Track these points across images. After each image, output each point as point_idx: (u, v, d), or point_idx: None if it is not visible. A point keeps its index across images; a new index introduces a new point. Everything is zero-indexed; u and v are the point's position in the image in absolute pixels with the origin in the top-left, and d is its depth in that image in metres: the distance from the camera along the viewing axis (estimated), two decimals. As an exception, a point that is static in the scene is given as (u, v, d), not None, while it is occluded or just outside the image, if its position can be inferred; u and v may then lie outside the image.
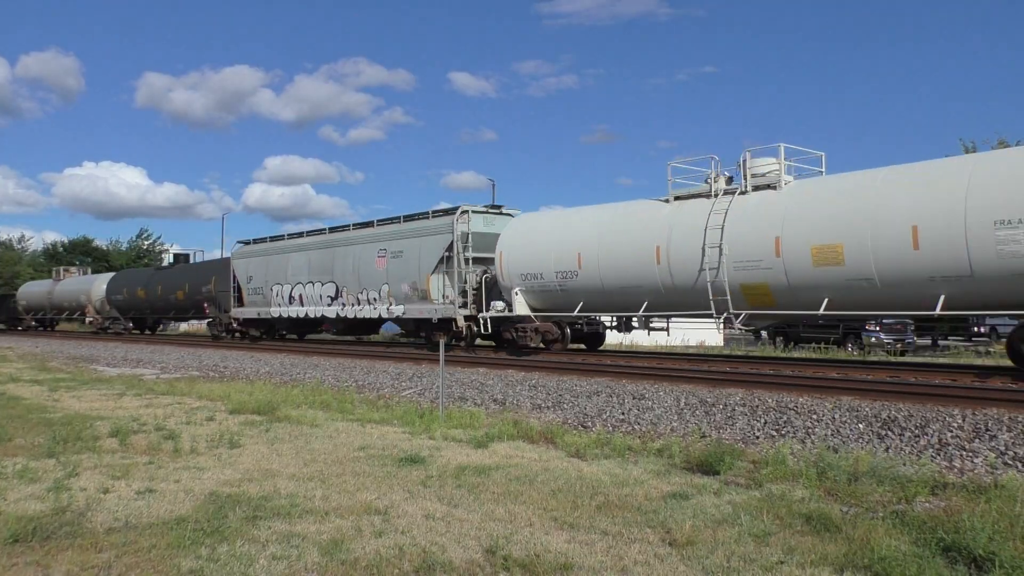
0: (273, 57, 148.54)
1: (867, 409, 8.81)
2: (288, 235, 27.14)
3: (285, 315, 25.72)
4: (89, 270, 53.62)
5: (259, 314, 27.04)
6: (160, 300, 34.82)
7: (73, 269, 50.07)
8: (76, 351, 27.04)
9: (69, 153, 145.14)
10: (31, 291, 49.82)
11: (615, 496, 6.06)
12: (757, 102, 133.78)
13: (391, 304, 21.06)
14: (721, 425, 9.10)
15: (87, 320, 42.40)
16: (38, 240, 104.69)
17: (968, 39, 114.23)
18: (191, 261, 40.84)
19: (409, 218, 21.65)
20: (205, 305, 30.89)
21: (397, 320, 21.88)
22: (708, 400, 10.07)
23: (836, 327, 25.85)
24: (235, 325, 28.91)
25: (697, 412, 9.68)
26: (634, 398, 10.72)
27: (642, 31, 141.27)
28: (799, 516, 5.37)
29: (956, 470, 6.89)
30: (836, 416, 8.73)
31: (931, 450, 7.47)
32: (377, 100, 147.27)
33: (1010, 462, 6.92)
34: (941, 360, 14.97)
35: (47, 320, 49.05)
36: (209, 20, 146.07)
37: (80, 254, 72.65)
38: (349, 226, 24.25)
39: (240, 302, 28.28)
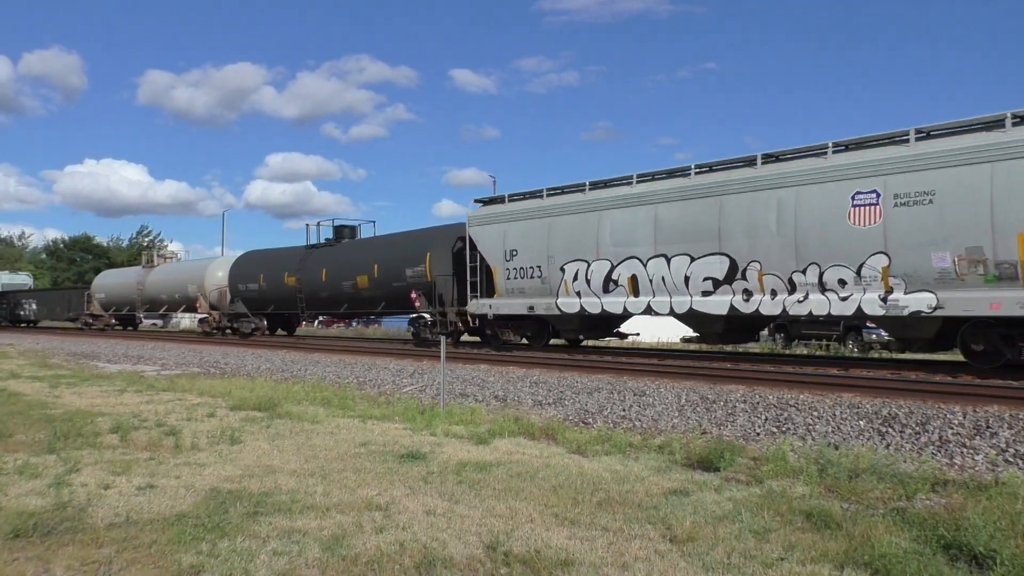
0: (275, 54, 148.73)
1: (868, 406, 8.81)
2: (591, 184, 17.00)
3: (595, 310, 16.33)
4: (183, 254, 46.52)
5: (532, 308, 17.63)
6: (324, 289, 25.33)
7: (172, 251, 42.60)
8: (77, 347, 27.05)
9: (71, 150, 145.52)
10: (111, 282, 40.96)
11: (616, 492, 6.06)
12: (758, 99, 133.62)
13: (890, 291, 11.91)
14: (722, 422, 9.10)
15: (198, 319, 33.99)
16: (39, 237, 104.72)
17: (969, 37, 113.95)
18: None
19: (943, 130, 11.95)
20: (414, 295, 21.13)
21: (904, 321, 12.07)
22: (709, 397, 10.07)
23: (837, 324, 25.80)
24: (476, 324, 20.12)
25: (698, 409, 9.68)
26: (635, 395, 10.72)
27: (643, 28, 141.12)
28: (800, 513, 5.37)
29: (957, 467, 6.89)
30: (837, 413, 8.72)
31: (932, 447, 7.46)
32: (379, 97, 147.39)
33: (1011, 459, 6.92)
34: (942, 357, 14.95)
35: (134, 319, 41.23)
36: (212, 17, 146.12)
37: (81, 251, 72.73)
38: (755, 158, 13.99)
39: (484, 290, 19.08)
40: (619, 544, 4.79)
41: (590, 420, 9.85)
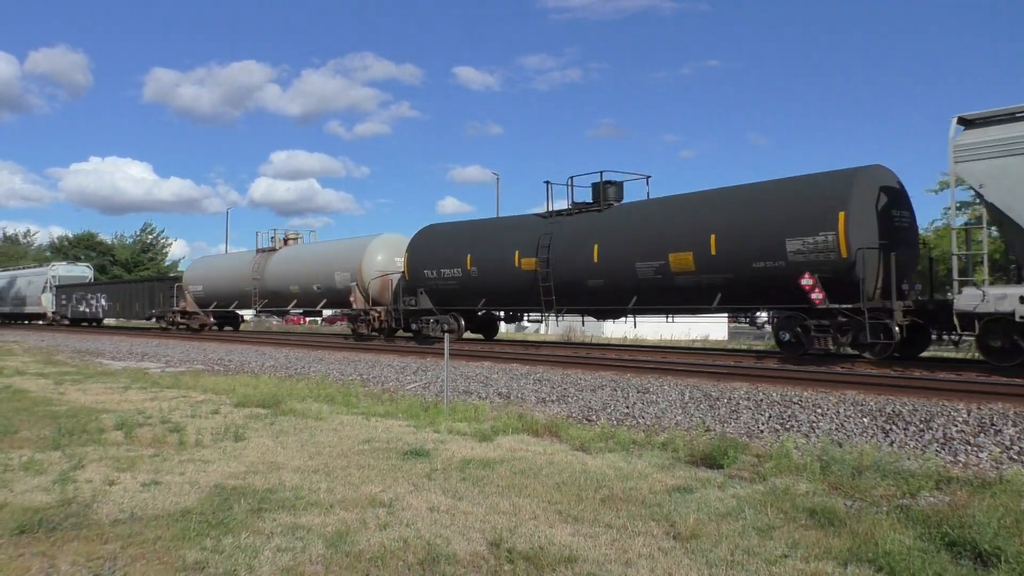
0: (280, 52, 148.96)
1: (872, 403, 8.80)
2: None
3: None
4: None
5: None
6: (595, 274, 16.40)
7: (296, 233, 29.94)
8: (81, 345, 27.13)
9: (76, 148, 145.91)
10: (214, 271, 31.57)
11: (619, 489, 6.07)
12: (762, 96, 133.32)
13: None
14: (725, 419, 9.10)
15: (355, 322, 23.76)
16: (44, 235, 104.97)
17: (970, 36, 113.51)
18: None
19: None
20: (809, 281, 12.59)
21: None
22: (712, 394, 10.06)
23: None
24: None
25: (701, 406, 9.68)
26: (638, 392, 10.71)
27: (646, 25, 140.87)
28: (803, 510, 5.37)
29: (961, 465, 6.88)
30: (841, 410, 8.71)
31: (936, 444, 7.45)
32: (384, 95, 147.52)
33: (1015, 457, 6.91)
34: (946, 354, 14.91)
35: (237, 317, 33.92)
36: (217, 15, 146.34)
37: (85, 248, 72.86)
38: None
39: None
40: (622, 541, 4.79)
41: (594, 417, 9.85)
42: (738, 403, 9.54)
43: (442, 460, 7.20)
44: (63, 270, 48.47)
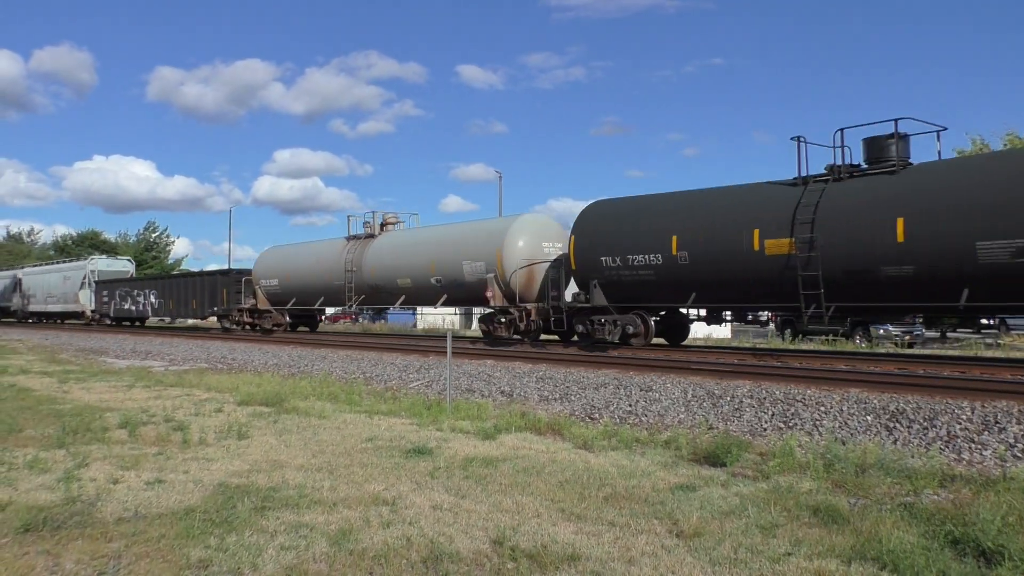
0: (284, 50, 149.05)
1: (875, 401, 8.79)
2: None
3: None
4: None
5: None
6: (903, 256, 11.79)
7: (395, 215, 24.31)
8: (85, 343, 27.19)
9: (80, 147, 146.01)
10: (288, 265, 26.55)
11: (622, 488, 6.07)
12: (765, 94, 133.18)
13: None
14: (728, 417, 9.09)
15: (491, 323, 19.33)
16: (48, 233, 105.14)
17: (974, 32, 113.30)
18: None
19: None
20: None
21: None
22: (715, 392, 10.06)
23: (844, 319, 25.62)
24: None
25: (704, 404, 9.67)
26: (641, 390, 10.71)
27: (650, 23, 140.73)
28: (807, 508, 5.37)
29: (965, 462, 6.87)
30: (844, 408, 8.70)
31: (940, 442, 7.44)
32: (388, 93, 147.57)
33: (1020, 455, 6.89)
34: (950, 352, 14.89)
35: (312, 318, 29.15)
36: (221, 14, 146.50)
37: (89, 247, 73.04)
38: None
39: None
40: (625, 539, 4.79)
41: (596, 415, 9.85)
42: (741, 401, 9.53)
43: (445, 458, 7.20)
44: (103, 264, 44.18)
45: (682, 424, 9.03)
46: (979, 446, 7.21)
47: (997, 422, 7.65)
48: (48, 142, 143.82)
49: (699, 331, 31.90)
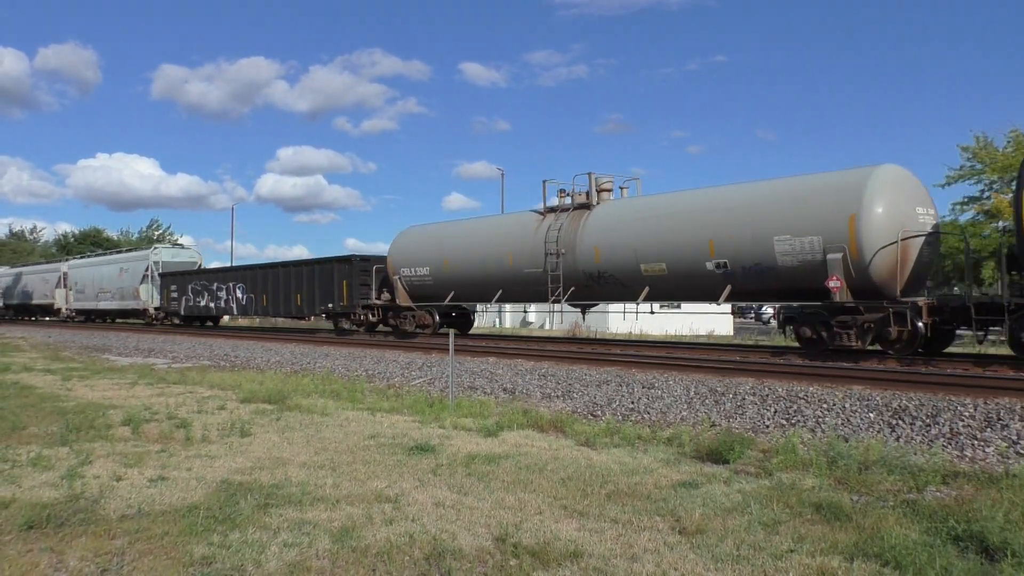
0: (289, 48, 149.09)
1: (878, 398, 8.78)
2: None
3: None
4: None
5: None
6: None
7: (609, 178, 18.31)
8: (88, 341, 27.23)
9: (83, 145, 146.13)
10: (445, 248, 21.14)
11: (625, 485, 6.07)
12: (768, 92, 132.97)
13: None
14: (731, 414, 9.09)
15: (849, 328, 12.87)
16: (51, 231, 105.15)
17: (977, 30, 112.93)
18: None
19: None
20: None
21: None
22: (718, 389, 10.05)
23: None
24: None
25: (707, 401, 9.67)
26: (644, 387, 10.71)
27: (652, 21, 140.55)
28: (809, 505, 5.36)
29: (967, 459, 6.86)
30: (847, 405, 8.69)
31: (942, 439, 7.43)
32: (392, 91, 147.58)
33: (1022, 451, 6.88)
34: (953, 350, 14.84)
35: (466, 317, 23.42)
36: (226, 12, 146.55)
37: (91, 244, 73.11)
38: None
39: None
40: (628, 536, 4.79)
41: (599, 413, 9.85)
42: (744, 398, 9.53)
43: (447, 455, 7.21)
44: (166, 254, 38.14)
45: (684, 421, 9.03)
46: (982, 443, 7.20)
47: (1000, 419, 7.64)
48: (52, 140, 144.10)
49: (701, 327, 31.86)
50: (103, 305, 40.66)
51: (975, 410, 7.97)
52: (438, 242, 21.48)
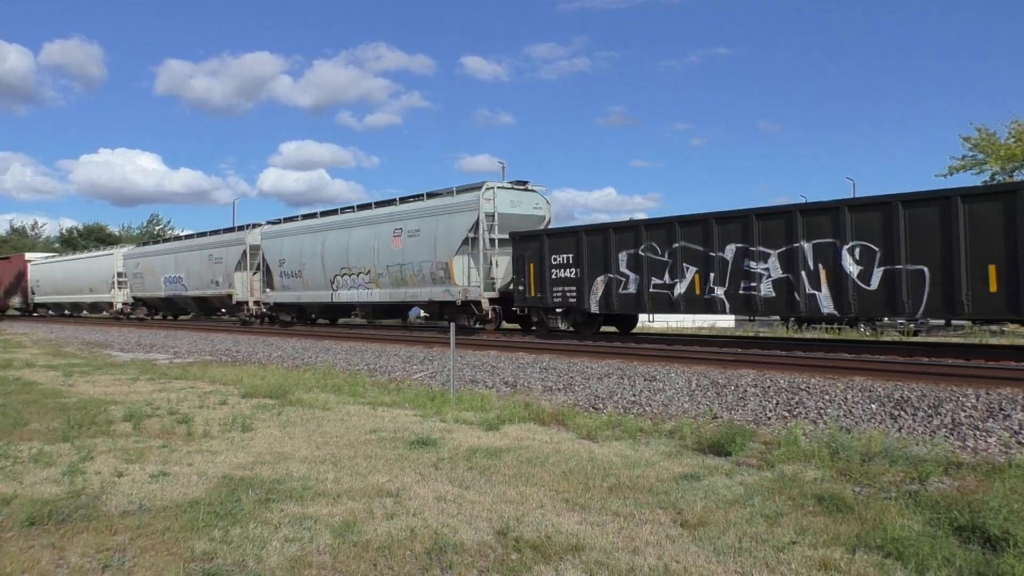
0: (293, 43, 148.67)
1: (880, 389, 8.76)
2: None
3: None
4: None
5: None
6: None
7: None
8: (90, 336, 27.25)
9: (87, 140, 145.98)
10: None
11: (626, 478, 6.06)
12: (770, 83, 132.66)
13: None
14: (733, 406, 9.08)
15: None
16: (54, 227, 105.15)
17: (978, 27, 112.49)
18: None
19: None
20: None
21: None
22: (719, 381, 10.04)
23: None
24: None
25: (708, 393, 9.66)
26: (645, 380, 10.70)
27: (654, 13, 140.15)
28: (811, 497, 5.36)
29: (970, 450, 6.85)
30: (849, 397, 8.68)
31: (944, 430, 7.42)
32: (396, 85, 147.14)
33: (1025, 442, 6.87)
34: (954, 340, 14.84)
35: None
36: (231, 6, 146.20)
37: (95, 240, 73.14)
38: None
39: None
40: (630, 529, 4.79)
41: (600, 405, 9.84)
42: (745, 390, 9.52)
43: (449, 449, 7.20)
44: (506, 203, 19.22)
45: (686, 413, 9.02)
46: (984, 433, 7.19)
47: (1002, 409, 7.62)
48: (55, 136, 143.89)
49: (703, 321, 31.80)
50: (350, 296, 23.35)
51: (977, 400, 7.95)
52: None
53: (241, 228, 29.92)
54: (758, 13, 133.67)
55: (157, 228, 77.02)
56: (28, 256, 49.67)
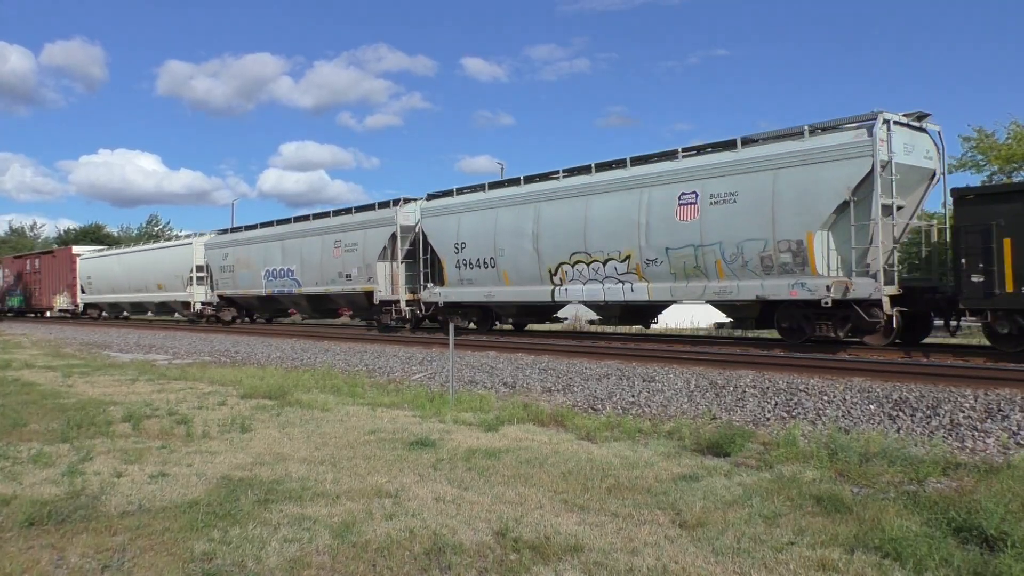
0: (294, 44, 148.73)
1: (878, 390, 8.77)
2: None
3: None
4: None
5: None
6: None
7: None
8: (89, 337, 27.23)
9: (87, 141, 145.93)
10: None
11: (625, 478, 6.07)
12: (769, 84, 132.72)
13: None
14: (731, 407, 9.08)
15: None
16: (52, 227, 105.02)
17: (977, 24, 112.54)
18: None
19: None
20: None
21: None
22: (718, 382, 10.05)
23: None
24: None
25: (707, 394, 9.66)
26: (644, 380, 10.70)
27: (653, 15, 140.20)
28: (810, 497, 5.36)
29: (968, 450, 6.86)
30: (847, 397, 8.69)
31: (943, 431, 7.43)
32: (396, 86, 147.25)
33: (1022, 442, 6.88)
34: (954, 341, 14.84)
35: None
36: (232, 7, 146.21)
37: (92, 241, 73.12)
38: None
39: None
40: (628, 530, 4.79)
41: (599, 406, 9.85)
42: (744, 391, 9.53)
43: (448, 450, 7.21)
44: (901, 139, 12.63)
45: (685, 414, 9.03)
46: (982, 434, 7.20)
47: (1000, 410, 7.64)
48: (56, 136, 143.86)
49: (702, 321, 31.84)
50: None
51: (975, 401, 7.96)
52: None
53: (383, 205, 22.56)
54: (758, 14, 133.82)
55: (156, 229, 76.95)
56: (76, 249, 43.00)
